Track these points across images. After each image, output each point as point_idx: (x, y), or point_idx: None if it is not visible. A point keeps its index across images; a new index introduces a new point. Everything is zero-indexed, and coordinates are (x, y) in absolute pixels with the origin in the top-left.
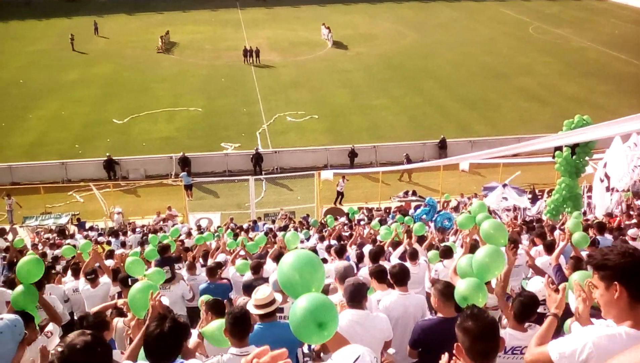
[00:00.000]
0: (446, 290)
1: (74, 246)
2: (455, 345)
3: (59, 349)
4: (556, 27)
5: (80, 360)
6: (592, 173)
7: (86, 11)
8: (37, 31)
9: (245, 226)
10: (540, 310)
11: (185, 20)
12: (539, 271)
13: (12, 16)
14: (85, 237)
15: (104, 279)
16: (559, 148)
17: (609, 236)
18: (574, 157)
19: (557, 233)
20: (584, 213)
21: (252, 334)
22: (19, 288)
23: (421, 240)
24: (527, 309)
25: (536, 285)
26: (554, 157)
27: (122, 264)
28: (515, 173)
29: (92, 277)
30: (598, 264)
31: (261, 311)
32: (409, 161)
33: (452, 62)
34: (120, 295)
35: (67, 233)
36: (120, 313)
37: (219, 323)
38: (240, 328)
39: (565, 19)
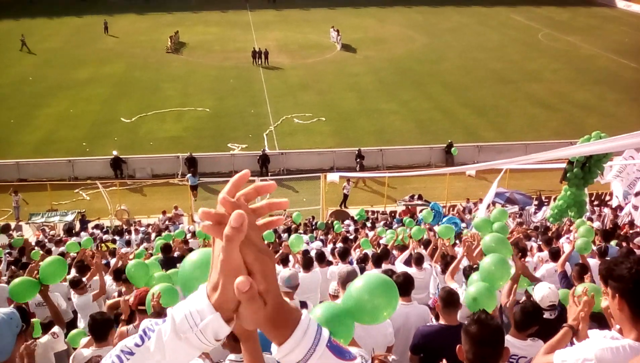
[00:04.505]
0: (448, 297)
1: (79, 243)
2: (457, 346)
3: None
4: (566, 34)
5: None
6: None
7: (97, 10)
8: (48, 29)
9: None
10: (546, 315)
11: (195, 21)
12: (535, 280)
13: (23, 13)
14: (91, 235)
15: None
16: (570, 163)
17: (614, 245)
18: (584, 169)
19: (563, 240)
20: (591, 220)
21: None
22: (19, 279)
23: (426, 244)
24: (528, 317)
25: (542, 291)
26: (565, 175)
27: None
28: (521, 179)
29: (79, 286)
30: (604, 274)
31: None
32: (362, 167)
33: (461, 67)
34: (121, 293)
35: (74, 231)
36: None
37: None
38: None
39: (576, 26)
